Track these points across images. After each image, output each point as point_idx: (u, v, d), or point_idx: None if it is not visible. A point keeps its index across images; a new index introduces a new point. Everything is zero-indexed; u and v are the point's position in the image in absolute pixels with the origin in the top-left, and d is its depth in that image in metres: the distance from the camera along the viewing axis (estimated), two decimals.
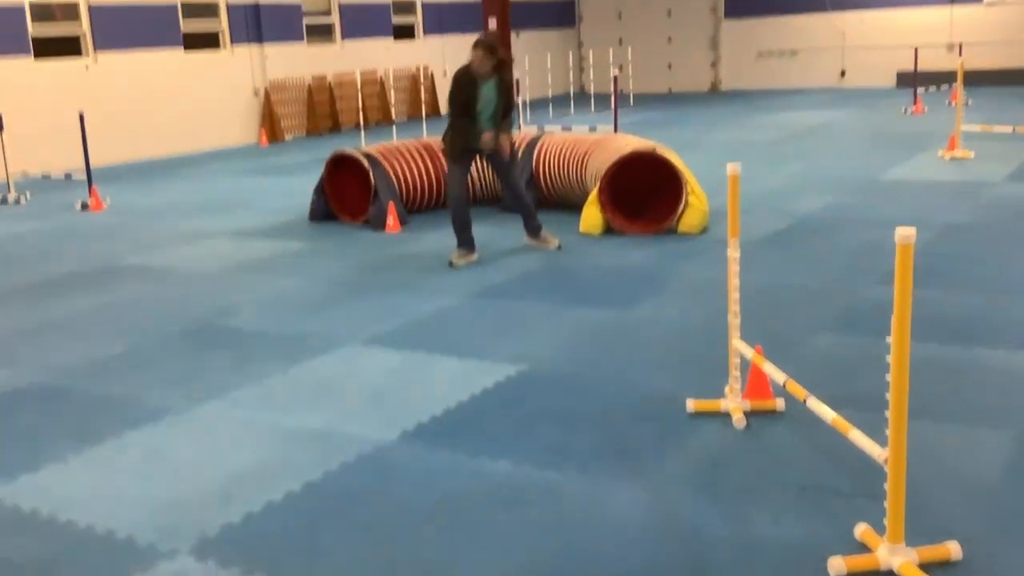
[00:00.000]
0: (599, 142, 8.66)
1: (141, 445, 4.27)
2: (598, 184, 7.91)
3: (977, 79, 18.70)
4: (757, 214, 8.37)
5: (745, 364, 4.31)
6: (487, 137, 7.00)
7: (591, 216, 7.98)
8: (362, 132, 14.05)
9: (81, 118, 10.65)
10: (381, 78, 18.36)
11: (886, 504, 3.00)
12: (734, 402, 4.21)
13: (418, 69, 19.50)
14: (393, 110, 18.61)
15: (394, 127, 16.53)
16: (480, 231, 7.55)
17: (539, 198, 9.07)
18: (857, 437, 3.22)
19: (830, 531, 3.25)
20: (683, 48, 23.58)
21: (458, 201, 7.18)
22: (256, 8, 16.61)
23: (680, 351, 5.15)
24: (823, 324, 5.46)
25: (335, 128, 17.78)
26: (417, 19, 20.26)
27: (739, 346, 4.21)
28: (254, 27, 16.62)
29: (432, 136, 9.42)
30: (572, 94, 19.91)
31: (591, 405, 4.46)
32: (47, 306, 6.67)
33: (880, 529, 3.09)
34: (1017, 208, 8.31)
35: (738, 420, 4.12)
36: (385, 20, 19.37)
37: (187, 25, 15.72)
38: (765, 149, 12.77)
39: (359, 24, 18.64)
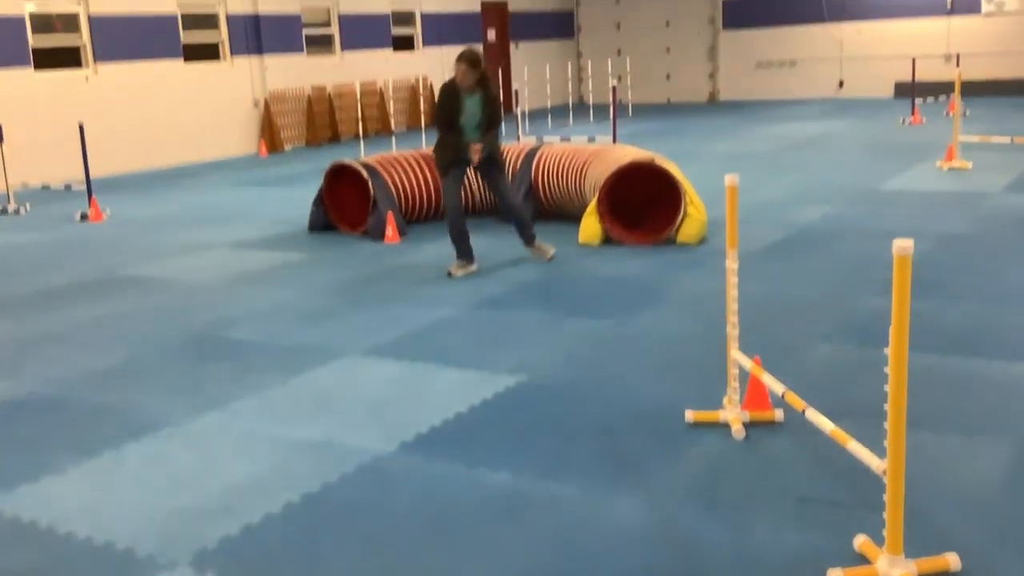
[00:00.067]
0: (598, 153, 8.68)
1: (140, 456, 4.27)
2: (597, 194, 7.93)
3: (975, 90, 18.75)
4: (756, 225, 8.38)
5: (744, 375, 4.32)
6: (474, 149, 7.06)
7: (590, 226, 7.99)
8: (361, 143, 14.07)
9: (81, 129, 10.67)
10: (380, 89, 18.40)
11: (885, 515, 3.00)
12: (733, 413, 4.21)
13: (417, 80, 19.55)
14: (392, 121, 18.64)
15: (393, 138, 16.56)
16: (479, 242, 7.56)
17: (538, 208, 9.09)
18: (856, 448, 3.23)
19: (829, 542, 3.25)
20: (681, 59, 23.64)
21: (454, 213, 7.20)
22: (256, 19, 16.66)
23: (679, 361, 5.16)
24: (822, 334, 5.47)
25: (334, 139, 17.81)
26: (416, 30, 20.32)
27: (738, 357, 4.21)
28: (254, 38, 16.66)
29: (431, 147, 9.44)
30: (571, 105, 19.95)
31: (590, 416, 4.46)
32: (47, 317, 6.67)
33: (879, 540, 3.09)
34: (1015, 218, 8.32)
35: (737, 431, 4.12)
36: (384, 31, 19.43)
37: (187, 36, 15.75)
38: (763, 159, 12.80)
39: (358, 35, 18.70)
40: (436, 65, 20.04)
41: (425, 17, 20.35)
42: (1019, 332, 5.37)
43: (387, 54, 19.40)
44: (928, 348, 5.00)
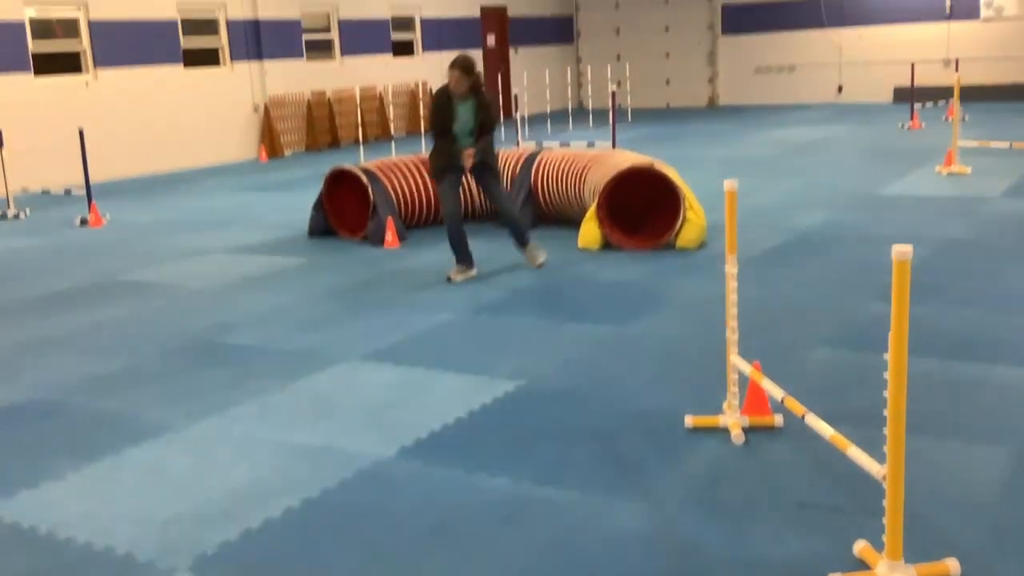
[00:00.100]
0: (597, 158, 8.69)
1: (140, 461, 4.27)
2: (596, 199, 7.93)
3: (974, 94, 18.77)
4: (755, 229, 8.38)
5: (743, 380, 4.32)
6: (466, 154, 7.07)
7: (589, 231, 8.00)
8: (361, 148, 14.09)
9: (81, 134, 10.68)
10: (380, 94, 18.42)
11: (885, 521, 3.00)
12: (732, 418, 4.22)
13: (417, 85, 19.57)
14: (392, 126, 18.66)
15: (393, 143, 16.57)
16: (478, 247, 7.57)
17: (538, 213, 9.10)
18: (856, 454, 3.23)
19: (829, 548, 3.25)
20: (681, 64, 23.68)
21: (452, 219, 7.22)
22: (256, 24, 16.68)
23: (678, 367, 5.16)
24: (821, 340, 5.47)
25: (334, 144, 17.83)
26: (416, 36, 20.34)
27: (737, 362, 4.22)
28: (254, 43, 16.68)
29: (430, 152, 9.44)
30: (570, 110, 19.98)
31: (589, 421, 4.46)
32: (46, 322, 6.67)
33: (879, 546, 3.09)
34: (1014, 223, 8.33)
35: (736, 436, 4.12)
36: (384, 36, 19.45)
37: (187, 42, 15.77)
38: (763, 164, 12.81)
39: (358, 40, 18.72)
40: (436, 70, 20.03)
41: (425, 22, 20.38)
42: (1019, 336, 5.37)
43: (387, 59, 19.43)
44: (928, 353, 5.01)
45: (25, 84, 13.55)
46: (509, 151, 9.53)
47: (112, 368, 5.59)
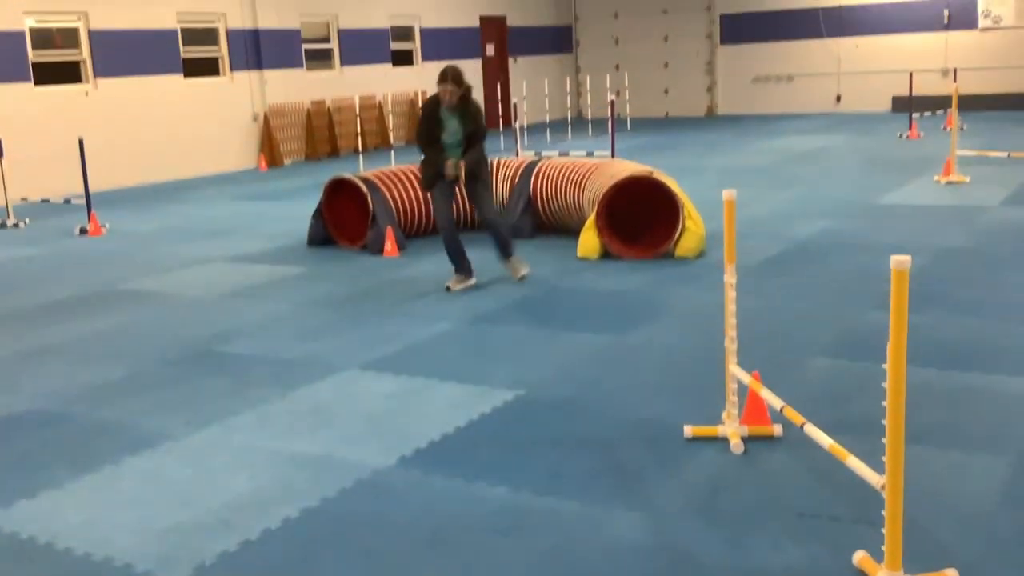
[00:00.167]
0: (596, 167, 8.70)
1: (139, 471, 4.27)
2: (595, 208, 7.94)
3: (972, 104, 18.81)
4: (754, 239, 8.39)
5: (742, 389, 4.32)
6: (449, 165, 7.07)
7: (588, 240, 8.01)
8: (360, 157, 14.09)
9: (81, 144, 10.70)
10: (380, 103, 18.45)
11: (884, 531, 3.00)
12: (731, 427, 4.22)
13: (416, 95, 19.60)
14: (391, 135, 18.68)
15: (392, 152, 16.58)
16: (476, 257, 7.57)
17: (537, 222, 9.11)
18: (855, 463, 3.23)
19: (828, 558, 3.25)
20: (679, 73, 23.72)
21: (446, 230, 7.22)
22: (256, 34, 16.72)
23: (677, 376, 5.16)
24: (820, 349, 5.47)
25: (334, 153, 17.85)
26: (415, 45, 20.39)
27: (736, 371, 4.22)
28: (253, 53, 16.72)
29: None
30: (569, 119, 20.00)
31: (589, 430, 4.46)
32: (45, 331, 6.67)
33: (878, 556, 3.09)
34: (1013, 232, 8.34)
35: (736, 445, 4.12)
36: (384, 46, 19.50)
37: (187, 51, 15.81)
38: (761, 174, 12.83)
39: (358, 50, 18.76)
40: (435, 80, 20.06)
41: (424, 32, 20.43)
42: (1017, 345, 5.38)
43: (386, 69, 19.47)
44: (926, 362, 5.01)
45: (25, 93, 13.58)
46: (508, 160, 9.54)
47: (112, 377, 5.59)
